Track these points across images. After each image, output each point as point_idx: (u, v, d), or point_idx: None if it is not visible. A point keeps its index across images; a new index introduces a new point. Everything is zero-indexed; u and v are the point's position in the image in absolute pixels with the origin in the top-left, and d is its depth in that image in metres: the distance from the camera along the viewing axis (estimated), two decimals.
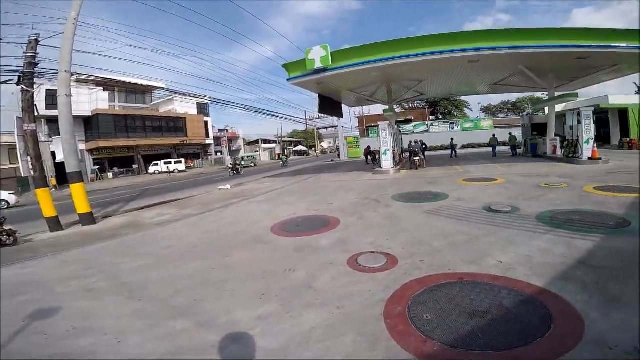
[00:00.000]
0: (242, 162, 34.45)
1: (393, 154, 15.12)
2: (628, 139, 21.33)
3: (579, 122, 13.00)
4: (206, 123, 45.28)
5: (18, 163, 24.85)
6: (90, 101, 31.94)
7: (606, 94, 23.18)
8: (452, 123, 37.34)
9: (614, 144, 23.19)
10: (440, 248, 4.20)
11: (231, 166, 26.51)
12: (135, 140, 35.47)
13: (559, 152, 15.09)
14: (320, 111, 18.62)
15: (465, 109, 53.39)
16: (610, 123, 24.31)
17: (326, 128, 59.46)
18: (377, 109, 35.62)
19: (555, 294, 2.82)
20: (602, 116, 22.18)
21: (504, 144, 24.03)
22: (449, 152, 30.34)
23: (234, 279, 3.77)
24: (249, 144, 65.10)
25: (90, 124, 32.62)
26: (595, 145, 13.00)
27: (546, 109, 19.46)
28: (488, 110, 61.91)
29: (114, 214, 10.15)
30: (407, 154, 19.45)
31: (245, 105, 40.81)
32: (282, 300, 3.13)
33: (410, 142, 17.78)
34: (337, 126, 40.46)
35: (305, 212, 7.31)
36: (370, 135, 36.26)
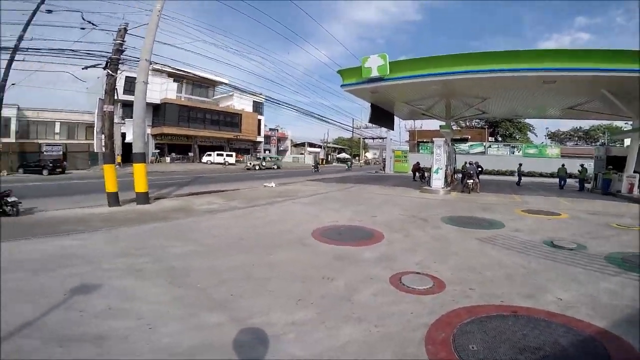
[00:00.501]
0: (264, 163, 35.02)
1: (445, 173, 14.46)
2: None
3: None
4: (259, 121, 47.07)
5: (92, 139, 28.21)
6: (160, 90, 34.73)
7: None
8: (513, 147, 34.82)
9: None
10: (493, 278, 3.89)
11: (255, 165, 27.14)
12: (194, 131, 37.94)
13: (636, 192, 13.39)
14: (371, 121, 18.40)
15: (529, 132, 49.71)
16: None
17: (373, 138, 58.70)
18: (431, 124, 34.48)
19: (618, 337, 2.59)
20: None
21: (570, 175, 21.90)
22: (506, 178, 28.49)
23: (273, 278, 3.79)
24: (296, 145, 66.40)
25: (158, 111, 35.44)
26: None
27: (627, 141, 17.29)
28: (555, 137, 57.00)
29: (167, 196, 10.85)
30: (460, 175, 18.48)
31: (297, 107, 41.90)
32: (319, 308, 3.07)
33: (465, 163, 16.84)
34: (385, 138, 39.76)
35: (348, 221, 7.22)
36: (421, 151, 35.13)
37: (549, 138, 56.39)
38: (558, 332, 2.67)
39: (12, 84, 21.83)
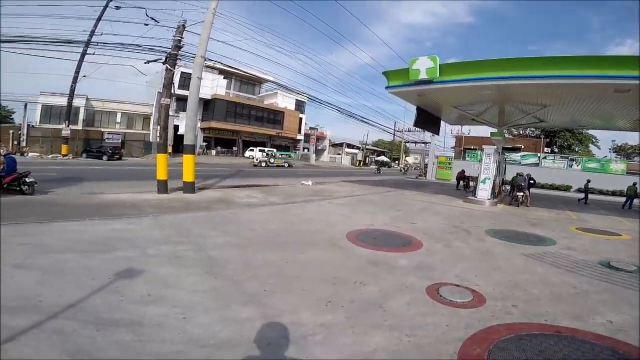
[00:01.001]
0: (272, 160, 31.18)
1: (493, 184, 13.63)
2: None
3: None
4: (300, 119, 47.76)
5: (148, 130, 30.43)
6: (211, 86, 36.51)
7: None
8: (571, 159, 31.95)
9: None
10: (539, 296, 3.59)
11: (262, 161, 25.93)
12: (239, 126, 39.46)
13: None
14: (415, 124, 17.82)
15: (591, 144, 45.37)
16: None
17: (415, 143, 56.95)
18: (479, 130, 32.69)
19: None
20: None
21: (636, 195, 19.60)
22: (561, 193, 26.21)
23: (305, 277, 3.79)
24: (334, 145, 66.34)
25: (208, 106, 37.32)
26: None
27: None
28: (622, 151, 51.45)
29: (210, 187, 11.37)
30: (509, 187, 17.30)
31: (338, 107, 41.82)
32: (348, 312, 3.00)
33: (517, 174, 15.74)
34: (429, 142, 38.39)
35: (384, 225, 7.06)
36: (467, 159, 33.42)
37: (614, 152, 50.96)
38: (603, 355, 2.48)
39: (84, 76, 24.22)
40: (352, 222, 7.16)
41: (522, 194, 13.51)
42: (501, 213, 10.87)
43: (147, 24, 11.62)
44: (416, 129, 27.16)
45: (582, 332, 2.82)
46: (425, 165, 35.19)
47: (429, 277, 4.05)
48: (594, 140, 45.31)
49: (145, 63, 11.80)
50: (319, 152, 56.73)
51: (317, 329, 2.67)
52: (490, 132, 16.36)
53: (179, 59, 11.06)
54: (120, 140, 28.03)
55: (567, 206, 14.96)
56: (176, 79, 10.98)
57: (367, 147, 65.48)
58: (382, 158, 64.84)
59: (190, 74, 10.41)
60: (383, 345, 2.49)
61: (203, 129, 37.25)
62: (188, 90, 10.30)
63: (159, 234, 5.17)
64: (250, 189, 11.59)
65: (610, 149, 50.56)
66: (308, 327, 2.69)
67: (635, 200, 16.76)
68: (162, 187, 9.45)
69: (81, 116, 30.46)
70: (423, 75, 11.52)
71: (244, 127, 40.08)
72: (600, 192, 27.46)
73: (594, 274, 4.57)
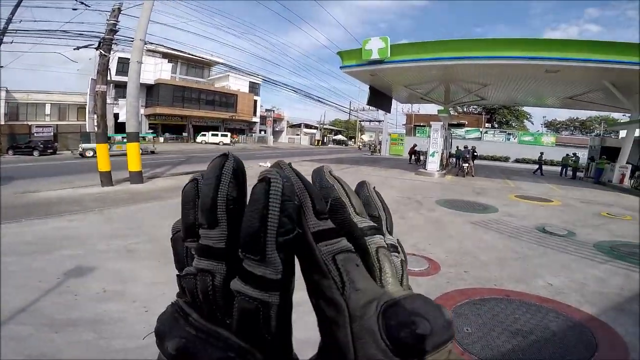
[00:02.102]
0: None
1: (441, 157, 14.53)
2: None
3: None
4: (255, 102, 46.47)
5: (85, 120, 27.69)
6: (154, 71, 33.97)
7: None
8: (508, 134, 34.93)
9: None
10: (487, 262, 4.00)
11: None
12: (188, 111, 37.39)
13: (627, 182, 13.61)
14: (369, 103, 18.27)
15: (525, 120, 49.71)
16: None
17: (370, 121, 58.35)
18: (428, 108, 34.21)
19: (604, 323, 2.71)
20: None
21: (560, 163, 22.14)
22: (501, 163, 28.71)
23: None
24: (292, 126, 65.78)
25: (151, 91, 34.79)
26: None
27: (622, 132, 17.48)
28: (552, 126, 57.17)
29: (161, 176, 10.79)
30: (455, 159, 18.59)
31: (294, 88, 41.29)
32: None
33: (457, 147, 16.88)
34: (382, 121, 39.53)
35: None
36: (417, 135, 35.05)
37: (545, 127, 56.55)
38: (549, 317, 2.78)
39: (0, 67, 21.11)
40: None
41: (467, 165, 14.64)
42: (449, 183, 11.70)
43: (75, 9, 10.38)
44: (370, 107, 27.75)
45: (528, 295, 3.17)
46: (380, 142, 36.29)
47: None
48: (528, 116, 49.71)
49: (74, 49, 10.67)
50: (277, 134, 55.86)
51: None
52: (437, 110, 17.30)
53: (115, 43, 10.15)
54: (52, 133, 25.23)
55: (505, 175, 16.46)
56: (113, 64, 10.15)
57: (324, 126, 65.77)
58: (339, 137, 65.72)
59: (129, 58, 9.62)
60: None
61: (148, 116, 34.81)
62: (127, 75, 9.53)
63: (107, 228, 4.88)
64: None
65: (542, 124, 56.06)
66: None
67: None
68: (106, 179, 8.80)
69: (2, 110, 26.88)
70: (375, 56, 11.76)
71: (194, 112, 38.07)
72: (535, 162, 30.49)
73: (532, 239, 5.13)
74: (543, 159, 19.43)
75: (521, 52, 10.12)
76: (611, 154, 16.12)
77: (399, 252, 0.26)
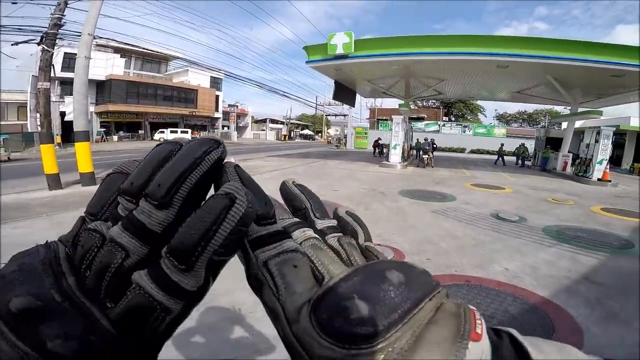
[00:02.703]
0: None
1: (402, 149, 15.00)
2: None
3: (597, 141, 12.76)
4: (217, 97, 45.04)
5: (26, 120, 25.27)
6: (105, 66, 31.80)
7: (629, 115, 22.60)
8: (464, 126, 36.84)
9: (624, 168, 22.88)
10: (447, 249, 4.19)
11: None
12: (144, 107, 35.43)
13: (569, 170, 14.88)
14: (334, 98, 18.42)
15: (479, 113, 52.63)
16: (625, 146, 23.90)
17: (335, 115, 58.87)
18: (390, 103, 35.16)
19: (558, 306, 2.88)
20: (618, 138, 21.74)
21: (513, 153, 23.70)
22: (458, 154, 30.23)
23: (232, 260, 3.73)
24: (257, 122, 64.67)
25: (102, 88, 32.57)
26: (608, 167, 12.83)
27: (564, 124, 19.08)
28: (502, 118, 61.04)
29: None
30: (415, 151, 19.30)
31: (258, 82, 40.43)
32: None
33: (417, 139, 17.51)
34: (347, 115, 40.02)
35: None
36: (380, 128, 35.92)
37: (497, 119, 60.32)
38: (507, 301, 2.93)
39: None
40: (278, 196, 7.19)
41: (427, 156, 15.26)
42: (411, 174, 12.12)
43: (15, 2, 9.45)
44: (335, 102, 27.99)
45: (487, 280, 3.32)
46: (345, 136, 36.71)
47: None
48: (482, 109, 52.68)
49: (12, 45, 9.72)
50: (241, 130, 54.62)
51: (258, 305, 2.69)
52: (398, 104, 17.82)
53: (61, 38, 9.37)
54: None
55: (462, 165, 17.36)
56: (58, 60, 9.34)
57: (291, 121, 65.33)
58: (307, 131, 65.62)
59: (76, 54, 8.93)
60: None
61: (98, 114, 32.59)
62: (74, 72, 8.85)
63: (58, 234, 4.45)
64: None
65: (494, 117, 59.70)
66: (247, 305, 2.71)
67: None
68: (54, 181, 8.09)
69: None
70: (340, 50, 11.88)
71: (150, 108, 36.14)
72: (488, 152, 32.46)
73: (488, 226, 5.42)
74: (504, 149, 20.36)
75: (475, 48, 10.68)
76: (555, 144, 17.57)
77: (338, 231, 0.25)
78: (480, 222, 5.61)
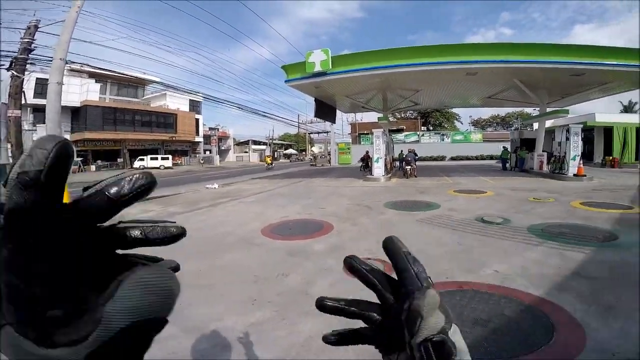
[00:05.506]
0: None
1: (385, 161, 15.17)
2: (611, 158, 22.02)
3: (567, 138, 13.30)
4: (197, 121, 44.74)
5: None
6: (80, 92, 31.16)
7: (593, 111, 23.82)
8: (442, 134, 37.81)
9: (597, 162, 23.89)
10: (437, 256, 4.17)
11: None
12: (122, 134, 34.71)
13: (545, 168, 15.37)
14: (316, 115, 18.62)
15: (455, 121, 54.24)
16: (594, 141, 25.06)
17: (318, 133, 59.36)
18: (370, 116, 35.67)
19: (554, 303, 2.87)
20: (587, 134, 22.74)
21: (491, 157, 24.28)
22: (438, 163, 30.86)
23: (224, 282, 3.62)
24: (239, 144, 64.42)
25: (77, 115, 31.80)
26: (582, 162, 13.34)
27: (535, 125, 19.85)
28: (478, 124, 63.13)
29: None
30: (398, 162, 19.57)
31: (239, 104, 40.54)
32: (276, 306, 3.00)
33: (402, 151, 17.79)
34: (329, 132, 40.39)
35: (297, 215, 7.20)
36: (362, 142, 36.36)
37: (472, 125, 62.34)
38: (501, 304, 2.90)
39: None
40: (266, 217, 7.09)
41: (410, 167, 15.49)
42: (395, 186, 12.23)
43: None
44: (317, 119, 28.22)
45: (479, 284, 3.30)
46: (329, 153, 36.74)
47: (344, 256, 4.23)
48: (457, 117, 54.39)
49: None
50: (223, 153, 54.22)
51: (248, 329, 2.61)
52: (377, 117, 18.15)
53: (32, 63, 9.16)
54: None
55: (444, 172, 17.68)
56: (30, 86, 9.06)
57: (274, 142, 65.31)
58: (290, 150, 65.59)
59: (48, 79, 8.72)
60: (316, 331, 2.55)
61: (75, 142, 31.70)
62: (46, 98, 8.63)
63: None
64: (145, 203, 10.38)
65: (469, 123, 61.69)
66: (238, 330, 2.60)
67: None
68: None
69: None
70: (318, 68, 12.05)
71: (129, 135, 35.44)
72: (468, 158, 33.29)
73: (474, 230, 5.47)
74: (508, 153, 20.03)
75: (445, 57, 11.09)
76: (530, 144, 18.20)
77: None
78: (466, 227, 5.65)
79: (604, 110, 24.85)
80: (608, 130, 23.84)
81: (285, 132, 78.33)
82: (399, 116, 44.89)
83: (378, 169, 14.49)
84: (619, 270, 3.59)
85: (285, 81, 13.28)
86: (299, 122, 51.22)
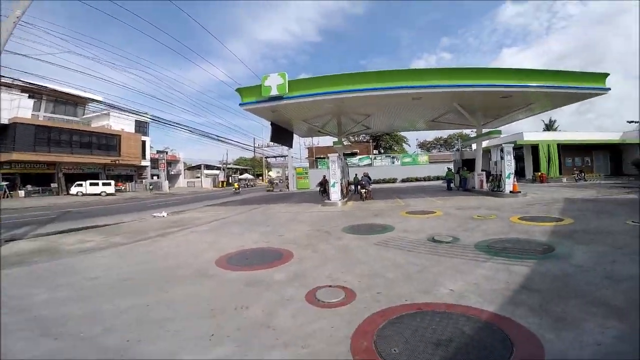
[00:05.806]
0: None
1: (341, 186, 15.40)
2: (539, 173, 24.80)
3: (502, 157, 14.66)
4: (144, 143, 42.29)
5: None
6: (10, 108, 28.03)
7: (522, 131, 26.90)
8: (392, 157, 39.78)
9: (528, 178, 26.69)
10: (395, 279, 4.25)
11: None
12: (57, 156, 31.56)
13: (486, 187, 16.63)
14: (272, 140, 18.57)
15: (404, 144, 57.48)
16: (524, 158, 28.10)
17: (275, 157, 59.10)
18: (326, 140, 36.55)
19: (509, 318, 2.99)
20: (517, 152, 25.27)
21: (437, 178, 25.97)
22: (390, 185, 32.24)
23: (175, 317, 3.35)
24: (190, 168, 61.80)
25: (5, 134, 28.39)
26: (515, 179, 14.73)
27: (474, 145, 21.58)
28: (424, 146, 67.56)
29: (23, 237, 8.70)
30: (354, 186, 20.04)
31: (189, 127, 39.06)
32: (237, 341, 2.82)
33: (356, 175, 18.31)
34: (286, 156, 40.38)
35: (254, 244, 6.96)
36: (319, 167, 36.86)
37: (419, 147, 66.59)
38: (460, 322, 2.96)
39: None
40: (220, 247, 6.76)
41: (364, 190, 15.94)
42: (351, 210, 12.46)
43: None
44: (274, 143, 28.13)
45: (436, 304, 3.36)
46: (287, 178, 36.46)
47: (305, 284, 4.22)
48: (405, 140, 57.78)
49: None
50: (173, 178, 51.55)
51: None
52: (333, 142, 18.60)
53: None
54: None
55: (396, 194, 18.44)
56: None
57: (228, 166, 63.54)
58: (246, 175, 64.14)
59: None
60: None
61: (1, 164, 28.18)
62: None
63: None
64: (85, 232, 9.44)
65: (417, 145, 65.83)
66: None
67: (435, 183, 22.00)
68: None
69: None
70: (274, 92, 12.07)
71: (65, 157, 32.31)
72: (417, 180, 35.16)
73: (427, 250, 5.66)
74: (451, 174, 21.62)
75: (392, 82, 11.82)
76: (470, 164, 19.77)
77: None
78: (420, 248, 5.85)
79: (530, 129, 28.37)
80: (535, 148, 26.96)
81: (240, 156, 77.04)
82: (353, 140, 46.60)
83: (335, 193, 14.64)
84: (561, 282, 3.87)
85: (240, 104, 13.11)
86: (254, 147, 50.72)
